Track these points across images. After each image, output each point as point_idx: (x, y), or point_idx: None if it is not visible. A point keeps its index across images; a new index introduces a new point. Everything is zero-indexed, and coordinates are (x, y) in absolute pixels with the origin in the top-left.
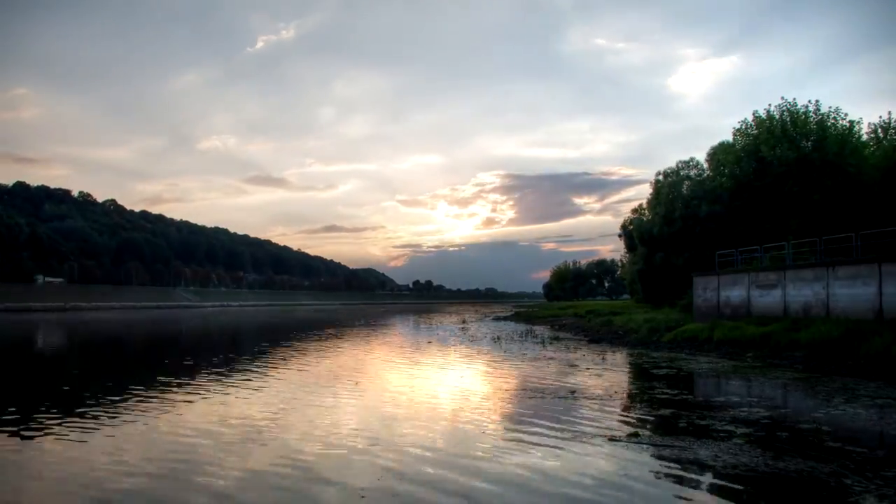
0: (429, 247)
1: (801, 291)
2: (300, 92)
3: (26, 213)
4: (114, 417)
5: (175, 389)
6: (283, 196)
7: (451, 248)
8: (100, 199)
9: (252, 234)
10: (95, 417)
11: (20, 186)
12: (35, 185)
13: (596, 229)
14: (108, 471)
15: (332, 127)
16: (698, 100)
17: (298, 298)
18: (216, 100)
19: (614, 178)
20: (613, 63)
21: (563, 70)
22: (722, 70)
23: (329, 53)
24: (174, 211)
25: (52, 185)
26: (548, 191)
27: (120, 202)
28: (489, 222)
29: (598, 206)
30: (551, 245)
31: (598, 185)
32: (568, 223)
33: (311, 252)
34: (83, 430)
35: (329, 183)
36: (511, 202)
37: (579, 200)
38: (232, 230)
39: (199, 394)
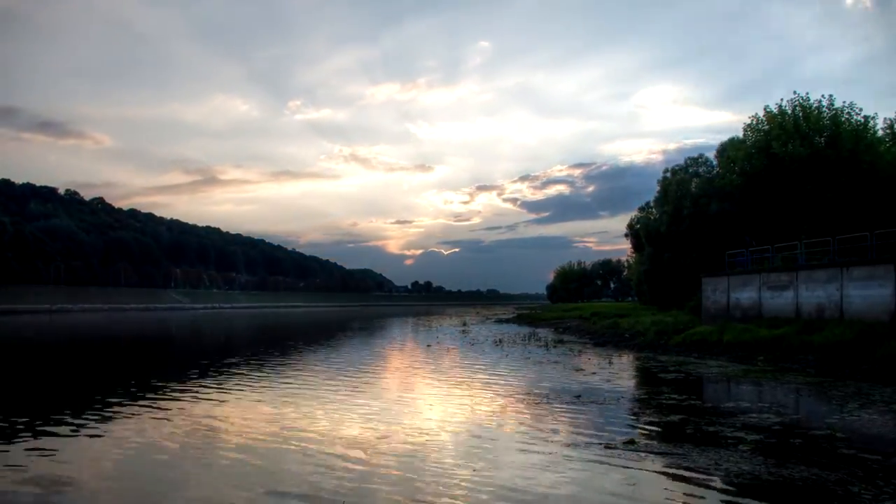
0: (466, 241)
1: (813, 293)
2: (463, 12)
3: (10, 211)
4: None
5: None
6: (360, 180)
7: (487, 242)
8: (143, 181)
9: (292, 228)
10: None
11: (4, 184)
12: (20, 182)
13: None
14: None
15: (475, 74)
16: None
17: (292, 300)
18: (342, 22)
19: None
20: None
21: None
22: None
23: None
24: (222, 196)
25: (84, 157)
26: (652, 175)
27: (164, 186)
28: (548, 215)
29: None
30: (592, 241)
31: None
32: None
33: (336, 252)
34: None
35: (422, 161)
36: (593, 187)
37: None
38: (224, 229)
39: (208, 407)
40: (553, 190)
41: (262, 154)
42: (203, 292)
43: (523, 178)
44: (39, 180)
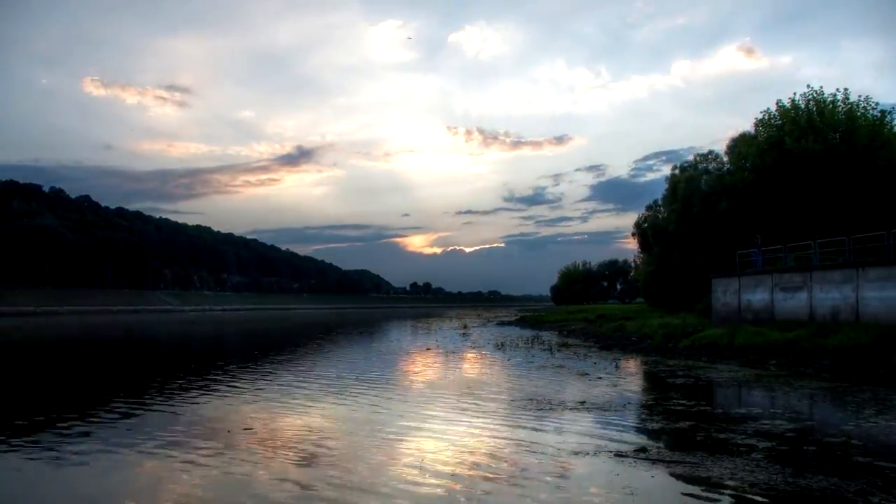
0: (515, 236)
1: (828, 294)
2: None
3: None
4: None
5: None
6: (460, 161)
7: (539, 236)
8: (210, 152)
9: (335, 219)
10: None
11: None
12: (2, 178)
13: None
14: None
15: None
16: None
17: (286, 302)
18: None
19: None
20: None
21: None
22: None
23: None
24: (294, 178)
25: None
26: None
27: (229, 165)
28: (626, 203)
29: None
30: (631, 242)
31: None
32: None
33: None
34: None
35: (566, 130)
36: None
37: None
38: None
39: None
40: (659, 174)
41: (366, 122)
42: (193, 294)
43: (643, 159)
44: (67, 159)
